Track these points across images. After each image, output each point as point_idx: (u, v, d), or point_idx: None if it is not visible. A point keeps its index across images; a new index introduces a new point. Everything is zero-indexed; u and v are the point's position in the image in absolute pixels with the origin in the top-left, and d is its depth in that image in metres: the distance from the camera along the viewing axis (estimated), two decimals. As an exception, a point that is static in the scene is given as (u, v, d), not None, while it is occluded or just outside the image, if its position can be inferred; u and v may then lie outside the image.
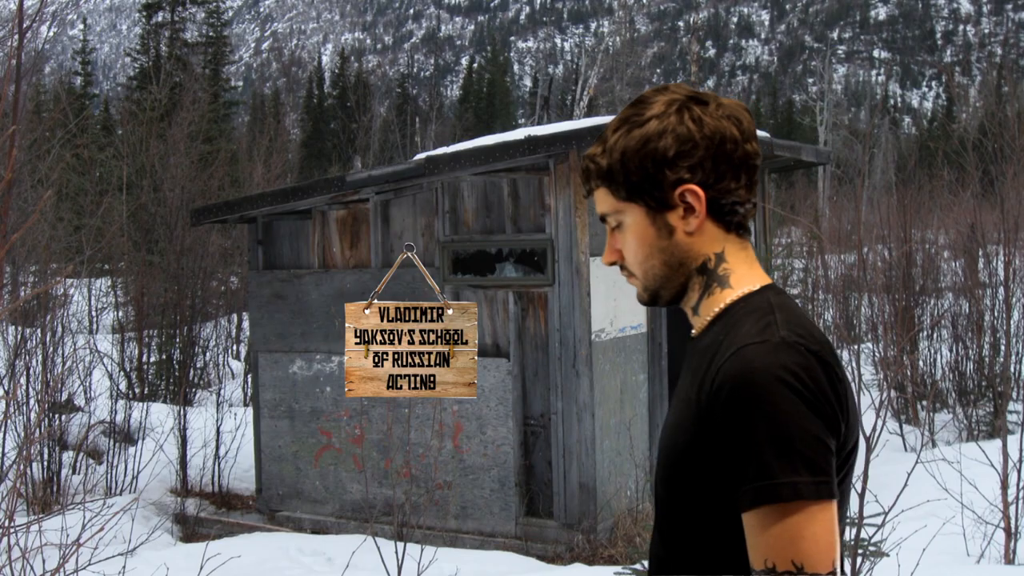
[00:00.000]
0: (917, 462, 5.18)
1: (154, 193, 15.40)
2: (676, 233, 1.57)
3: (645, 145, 1.55)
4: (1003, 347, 11.21)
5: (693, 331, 1.65)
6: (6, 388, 8.72)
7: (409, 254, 3.35)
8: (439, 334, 3.12)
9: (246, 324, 15.53)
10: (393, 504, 5.94)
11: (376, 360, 2.79)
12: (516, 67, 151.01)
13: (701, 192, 1.55)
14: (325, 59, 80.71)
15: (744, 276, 1.60)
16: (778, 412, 1.38)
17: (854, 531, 4.59)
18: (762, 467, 1.38)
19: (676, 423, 1.53)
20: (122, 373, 12.43)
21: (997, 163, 13.22)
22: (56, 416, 9.04)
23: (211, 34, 32.97)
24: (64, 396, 9.60)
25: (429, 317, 3.12)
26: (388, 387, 2.59)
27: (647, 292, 1.62)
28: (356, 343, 2.95)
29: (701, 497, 1.50)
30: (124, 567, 4.69)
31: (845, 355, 11.26)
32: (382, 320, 2.75)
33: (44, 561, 4.95)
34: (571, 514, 7.20)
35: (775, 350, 1.42)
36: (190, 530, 8.33)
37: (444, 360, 2.62)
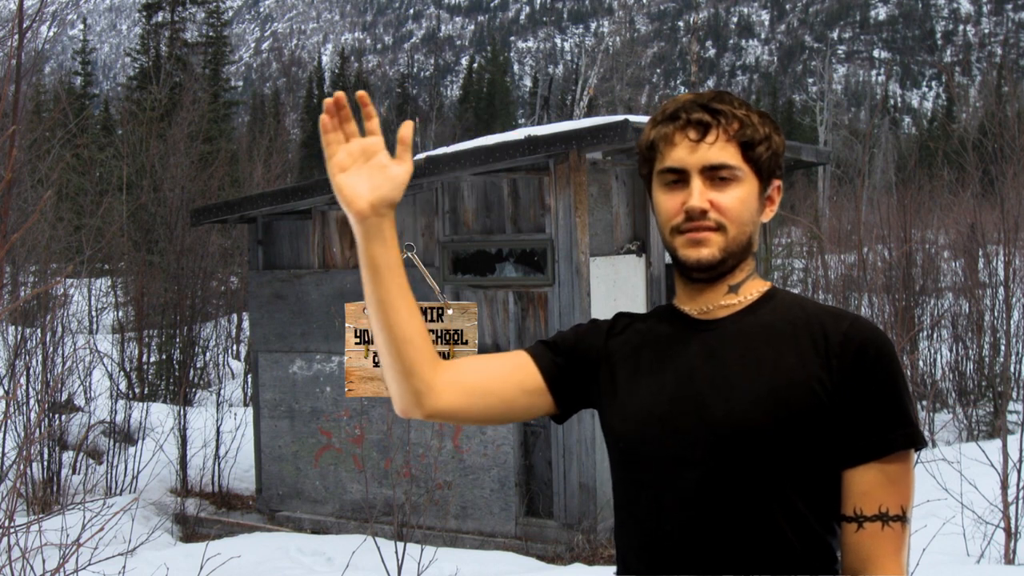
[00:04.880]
0: (917, 462, 5.18)
1: (154, 193, 15.39)
2: (762, 215, 1.71)
3: (781, 137, 1.72)
4: (1003, 347, 11.21)
5: (710, 310, 1.70)
6: (6, 388, 8.72)
7: (409, 254, 3.36)
8: (439, 334, 3.13)
9: (246, 324, 15.53)
10: (393, 504, 5.94)
11: (376, 360, 2.79)
12: (516, 67, 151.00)
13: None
14: (325, 59, 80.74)
15: None
16: (902, 370, 1.63)
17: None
18: (908, 415, 1.59)
19: (786, 384, 1.60)
20: (122, 373, 12.43)
21: (997, 163, 13.21)
22: (56, 416, 9.04)
23: (211, 34, 32.92)
24: (64, 396, 9.60)
25: (429, 317, 3.12)
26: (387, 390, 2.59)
27: (723, 252, 1.65)
28: (356, 343, 2.95)
29: (819, 452, 1.59)
30: (124, 567, 4.69)
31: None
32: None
33: (44, 561, 4.95)
34: (571, 514, 7.20)
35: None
36: (190, 530, 8.33)
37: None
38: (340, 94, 1.60)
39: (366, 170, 1.62)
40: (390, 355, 1.68)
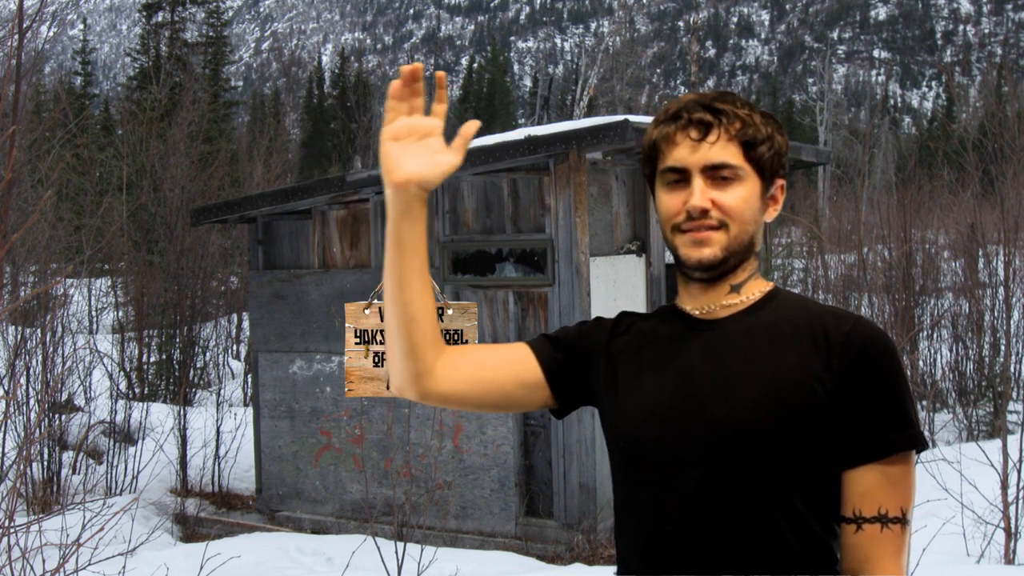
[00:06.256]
0: (917, 462, 5.17)
1: (154, 193, 15.40)
2: (765, 214, 1.71)
3: (784, 137, 1.72)
4: (1003, 347, 11.22)
5: (712, 310, 1.69)
6: (6, 388, 8.73)
7: (409, 254, 3.35)
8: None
9: (246, 324, 15.53)
10: (393, 504, 5.94)
11: (376, 360, 2.79)
12: (516, 67, 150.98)
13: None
14: (325, 59, 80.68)
15: None
16: (903, 372, 1.62)
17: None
18: (909, 416, 1.59)
19: (787, 385, 1.59)
20: (122, 373, 12.43)
21: (997, 163, 13.21)
22: (56, 416, 9.04)
23: (211, 34, 32.91)
24: (64, 396, 9.60)
25: (429, 317, 3.12)
26: (388, 387, 2.59)
27: (724, 251, 1.65)
28: (356, 343, 2.95)
29: (819, 453, 1.58)
30: (124, 567, 4.69)
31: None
32: (382, 320, 2.75)
33: (44, 561, 4.95)
34: (571, 514, 7.20)
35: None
36: (190, 530, 8.33)
37: (444, 360, 2.62)
38: (419, 65, 1.60)
39: (416, 147, 1.63)
40: (397, 332, 1.71)
